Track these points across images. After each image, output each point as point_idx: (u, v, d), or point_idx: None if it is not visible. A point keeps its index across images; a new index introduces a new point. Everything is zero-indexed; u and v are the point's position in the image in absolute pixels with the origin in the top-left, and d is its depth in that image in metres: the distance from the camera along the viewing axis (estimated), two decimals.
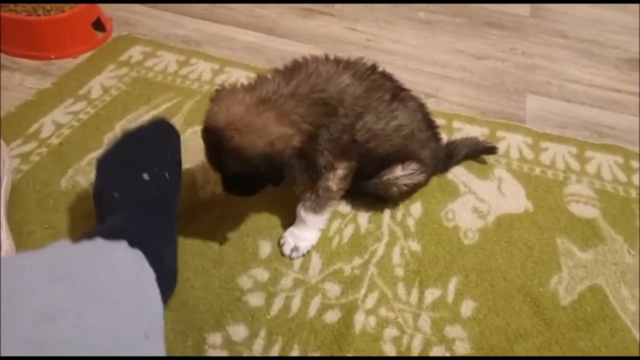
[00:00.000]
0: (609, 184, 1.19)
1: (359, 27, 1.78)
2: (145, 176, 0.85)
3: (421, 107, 1.03)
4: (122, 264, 0.61)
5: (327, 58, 0.93)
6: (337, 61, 0.92)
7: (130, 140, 0.91)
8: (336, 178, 0.93)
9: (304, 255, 0.97)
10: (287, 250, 0.97)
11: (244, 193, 0.93)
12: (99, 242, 0.64)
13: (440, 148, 1.11)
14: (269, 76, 0.88)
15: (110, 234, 0.66)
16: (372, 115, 0.91)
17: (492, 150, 1.20)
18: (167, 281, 0.67)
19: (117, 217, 0.79)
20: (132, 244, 0.65)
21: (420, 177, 1.03)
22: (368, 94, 0.91)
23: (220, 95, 0.86)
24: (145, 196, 0.84)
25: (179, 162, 0.93)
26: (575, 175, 1.21)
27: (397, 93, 0.96)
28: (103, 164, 0.89)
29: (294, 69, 0.89)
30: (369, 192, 1.04)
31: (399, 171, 1.00)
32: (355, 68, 0.92)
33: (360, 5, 1.90)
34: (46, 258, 0.58)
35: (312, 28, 1.75)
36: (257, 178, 0.87)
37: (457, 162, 1.18)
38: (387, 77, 0.98)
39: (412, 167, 1.01)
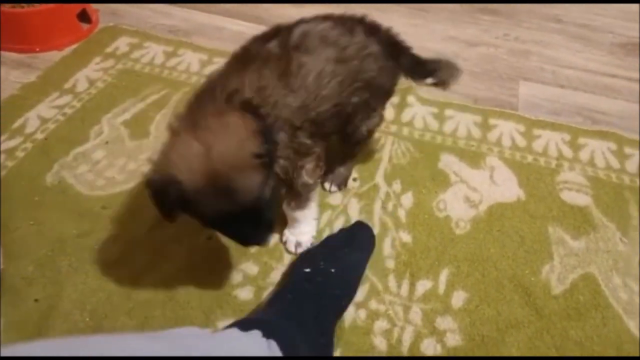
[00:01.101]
0: (602, 170, 1.18)
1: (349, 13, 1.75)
2: (309, 270, 0.86)
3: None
4: (249, 352, 0.63)
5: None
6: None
7: (331, 236, 0.97)
8: (308, 173, 0.89)
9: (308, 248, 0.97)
10: (291, 247, 0.97)
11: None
12: (233, 331, 0.67)
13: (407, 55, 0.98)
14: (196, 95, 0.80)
15: (249, 325, 0.68)
16: (287, 97, 0.81)
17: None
18: None
19: (270, 310, 0.81)
20: (267, 334, 0.66)
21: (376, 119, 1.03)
22: (262, 79, 0.80)
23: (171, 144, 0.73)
24: (304, 288, 0.83)
25: (360, 273, 0.91)
26: (568, 162, 1.20)
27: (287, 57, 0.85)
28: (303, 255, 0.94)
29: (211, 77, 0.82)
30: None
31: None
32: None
33: None
34: (180, 340, 0.60)
35: (301, 16, 1.72)
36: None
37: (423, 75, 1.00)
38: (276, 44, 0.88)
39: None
